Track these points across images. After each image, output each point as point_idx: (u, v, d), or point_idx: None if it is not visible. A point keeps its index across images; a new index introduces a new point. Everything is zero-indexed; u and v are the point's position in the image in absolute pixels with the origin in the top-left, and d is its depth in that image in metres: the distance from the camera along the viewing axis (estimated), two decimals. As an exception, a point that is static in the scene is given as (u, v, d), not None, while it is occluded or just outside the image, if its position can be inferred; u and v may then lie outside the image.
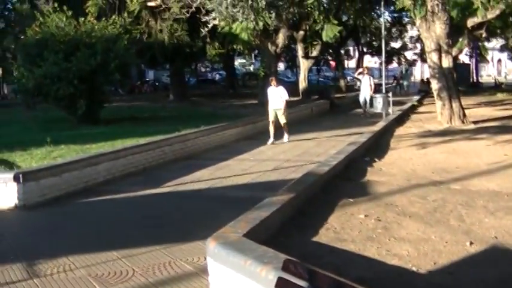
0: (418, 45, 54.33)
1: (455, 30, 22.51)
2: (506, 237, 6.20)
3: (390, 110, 21.86)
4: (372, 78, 25.85)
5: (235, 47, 26.87)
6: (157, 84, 59.73)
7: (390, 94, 22.86)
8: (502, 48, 59.28)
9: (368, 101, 24.55)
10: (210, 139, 16.03)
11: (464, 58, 54.90)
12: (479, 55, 52.80)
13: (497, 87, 46.64)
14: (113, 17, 23.12)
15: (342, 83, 47.60)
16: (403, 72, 49.63)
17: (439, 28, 17.78)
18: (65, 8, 21.03)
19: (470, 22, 22.32)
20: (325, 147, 15.10)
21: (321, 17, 24.95)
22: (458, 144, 13.97)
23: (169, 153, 13.87)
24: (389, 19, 45.82)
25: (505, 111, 22.77)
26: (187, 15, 17.60)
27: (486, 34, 35.97)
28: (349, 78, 55.16)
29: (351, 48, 60.12)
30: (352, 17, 35.36)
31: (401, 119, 20.63)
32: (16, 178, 9.34)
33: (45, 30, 20.96)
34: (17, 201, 9.36)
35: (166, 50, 30.21)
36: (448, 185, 9.15)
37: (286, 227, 6.54)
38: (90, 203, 9.71)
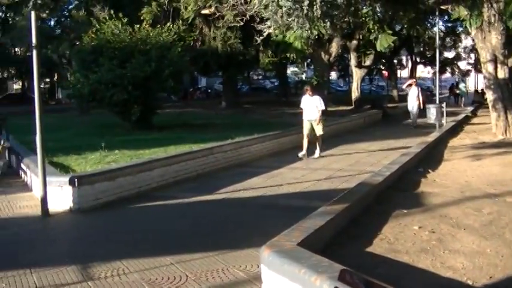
0: (472, 55, 53.38)
1: (512, 40, 22.08)
2: None
3: (444, 121, 21.57)
4: (420, 89, 25.74)
5: (288, 55, 26.83)
6: (209, 91, 60.24)
7: (444, 105, 22.56)
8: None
9: (415, 113, 24.60)
10: (263, 147, 16.10)
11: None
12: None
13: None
14: (167, 24, 23.35)
15: (394, 92, 47.18)
16: (459, 82, 48.71)
17: (494, 38, 17.48)
18: (120, 15, 21.32)
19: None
20: (378, 158, 15.00)
21: (376, 27, 24.75)
22: (513, 156, 13.69)
23: (222, 160, 13.97)
24: (443, 29, 45.13)
25: None
26: (241, 23, 17.72)
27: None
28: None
29: (404, 58, 59.34)
30: (405, 26, 34.99)
31: (454, 130, 20.35)
32: (71, 182, 9.55)
33: (100, 37, 21.28)
34: (72, 205, 9.56)
35: (219, 58, 30.43)
36: (504, 197, 8.96)
37: (340, 237, 6.53)
38: (143, 208, 9.84)
